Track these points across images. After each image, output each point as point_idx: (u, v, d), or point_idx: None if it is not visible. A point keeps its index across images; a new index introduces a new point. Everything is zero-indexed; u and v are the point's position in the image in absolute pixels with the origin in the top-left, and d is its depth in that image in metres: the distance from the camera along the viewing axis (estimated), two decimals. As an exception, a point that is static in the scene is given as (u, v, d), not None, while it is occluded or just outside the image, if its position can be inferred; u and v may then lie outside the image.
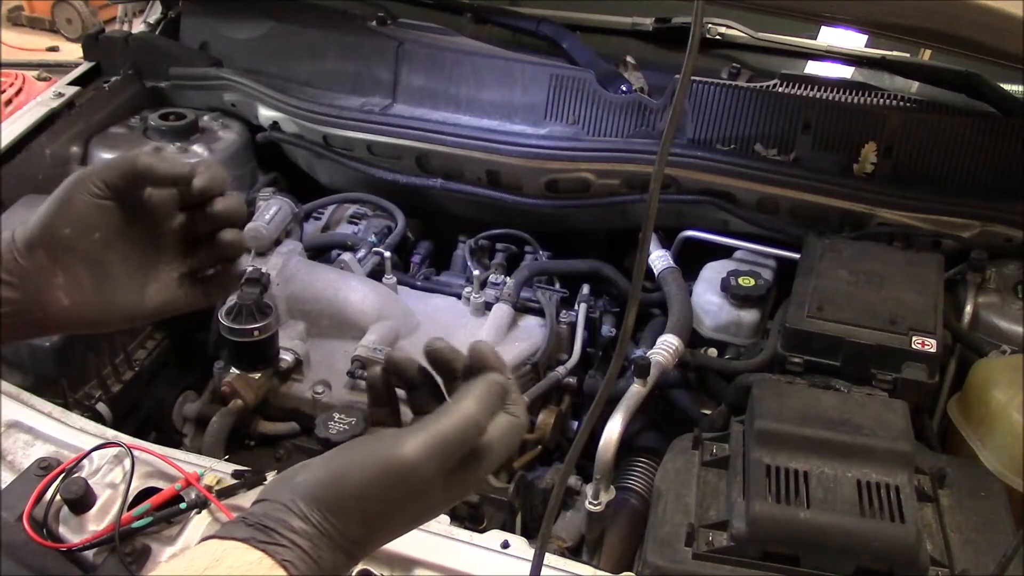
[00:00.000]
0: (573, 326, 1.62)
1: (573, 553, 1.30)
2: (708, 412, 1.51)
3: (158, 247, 0.77)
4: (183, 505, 1.13)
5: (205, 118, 1.99)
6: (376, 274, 1.70)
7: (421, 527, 1.09)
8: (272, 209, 1.68)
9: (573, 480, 1.38)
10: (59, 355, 1.43)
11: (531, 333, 1.61)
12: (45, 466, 1.17)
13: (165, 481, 1.17)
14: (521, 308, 1.65)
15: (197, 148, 1.89)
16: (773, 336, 1.46)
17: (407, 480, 0.62)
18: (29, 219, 0.72)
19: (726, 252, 1.72)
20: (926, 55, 1.94)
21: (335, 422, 1.32)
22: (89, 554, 1.09)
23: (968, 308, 1.52)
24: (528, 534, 1.29)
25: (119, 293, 0.76)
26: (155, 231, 0.77)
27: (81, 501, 1.13)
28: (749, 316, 1.56)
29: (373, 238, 1.83)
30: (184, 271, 0.79)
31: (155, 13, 2.18)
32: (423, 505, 0.65)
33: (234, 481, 1.16)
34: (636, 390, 1.32)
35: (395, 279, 1.70)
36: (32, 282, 0.72)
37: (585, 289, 1.70)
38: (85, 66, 2.04)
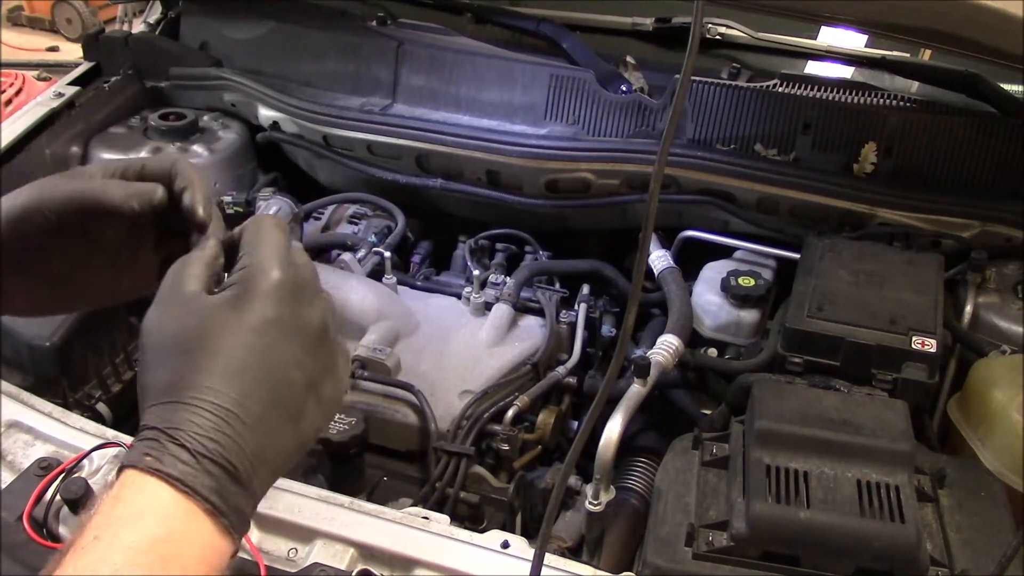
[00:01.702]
0: (573, 326, 1.62)
1: (573, 553, 1.30)
2: (708, 412, 1.51)
3: (126, 250, 0.75)
4: (183, 505, 1.12)
5: (205, 118, 1.99)
6: (376, 274, 1.70)
7: (421, 527, 1.10)
8: (272, 209, 1.68)
9: (573, 480, 1.38)
10: (59, 355, 1.43)
11: (531, 333, 1.61)
12: (45, 466, 1.17)
13: (165, 481, 1.17)
14: (521, 308, 1.65)
15: (197, 148, 1.89)
16: (773, 336, 1.46)
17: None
18: None
19: (726, 252, 1.72)
20: (926, 55, 1.94)
21: (335, 422, 1.32)
22: (89, 554, 1.09)
23: (968, 308, 1.52)
24: (528, 534, 1.29)
25: (83, 292, 0.75)
26: (120, 239, 0.74)
27: (81, 501, 1.12)
28: (749, 316, 1.56)
29: (373, 238, 1.83)
30: (160, 262, 0.76)
31: (155, 13, 2.18)
32: None
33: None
34: (636, 390, 1.32)
35: (395, 279, 1.70)
36: None
37: (585, 289, 1.70)
38: (85, 66, 2.04)
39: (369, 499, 1.22)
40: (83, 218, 0.70)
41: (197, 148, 1.89)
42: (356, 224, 1.93)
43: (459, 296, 1.69)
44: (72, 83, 1.97)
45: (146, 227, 0.74)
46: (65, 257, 0.72)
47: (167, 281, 0.62)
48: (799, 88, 1.78)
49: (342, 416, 1.32)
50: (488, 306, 1.64)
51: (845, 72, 1.95)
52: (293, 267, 0.64)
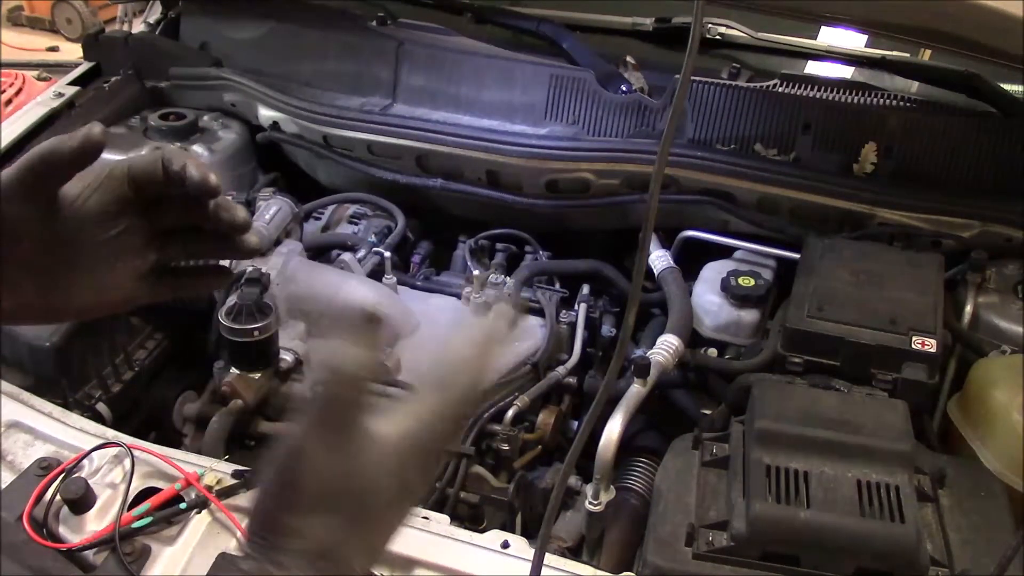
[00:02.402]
0: (573, 326, 1.62)
1: (573, 553, 1.30)
2: (708, 412, 1.51)
3: (113, 244, 0.71)
4: (183, 505, 1.13)
5: (205, 118, 1.99)
6: (376, 274, 1.70)
7: (421, 527, 1.10)
8: (272, 209, 1.68)
9: (573, 480, 1.38)
10: (59, 355, 1.43)
11: (531, 333, 1.61)
12: (45, 466, 1.17)
13: (165, 481, 1.17)
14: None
15: (197, 148, 1.89)
16: (773, 336, 1.46)
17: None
18: None
19: (726, 252, 1.72)
20: (926, 55, 1.94)
21: (335, 422, 1.31)
22: (89, 554, 1.09)
23: (968, 308, 1.52)
24: (528, 534, 1.29)
25: (68, 293, 0.70)
26: (106, 227, 0.70)
27: (81, 501, 1.12)
28: (749, 316, 1.56)
29: (373, 238, 1.83)
30: (148, 266, 0.73)
31: (155, 13, 2.19)
32: None
33: (234, 481, 1.16)
34: (636, 390, 1.32)
35: (395, 279, 1.70)
36: None
37: (585, 289, 1.70)
38: (85, 66, 2.04)
39: (369, 499, 1.22)
40: (46, 180, 0.66)
41: (197, 148, 1.89)
42: (356, 224, 1.93)
43: (459, 296, 1.69)
44: (72, 83, 1.97)
45: (130, 227, 0.71)
46: (43, 251, 0.68)
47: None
48: (799, 88, 1.78)
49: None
50: (488, 306, 1.64)
51: (845, 72, 1.95)
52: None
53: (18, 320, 0.71)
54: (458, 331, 0.66)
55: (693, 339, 1.56)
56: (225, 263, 0.81)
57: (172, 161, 0.68)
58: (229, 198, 0.72)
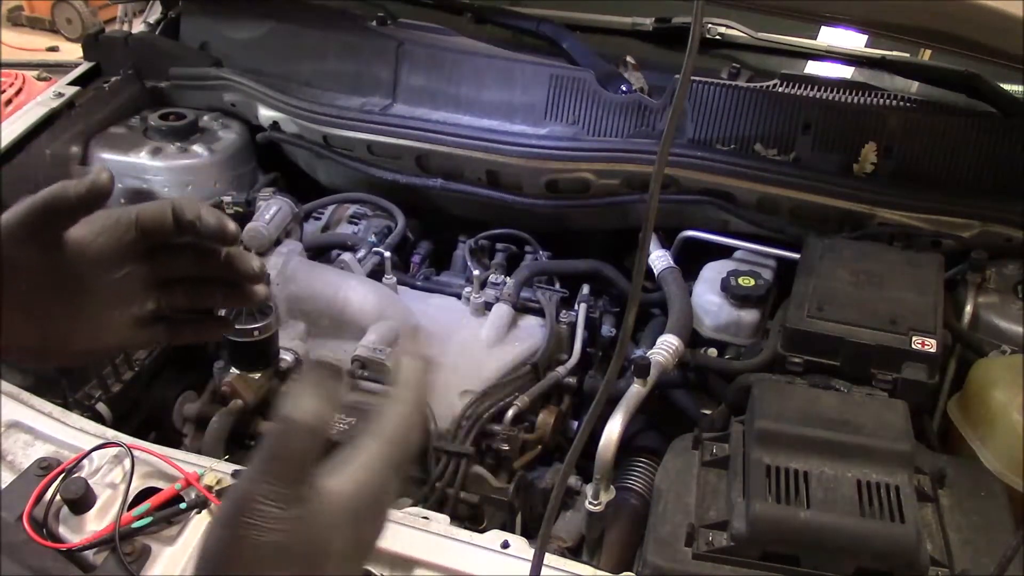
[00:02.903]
0: (573, 326, 1.62)
1: (573, 553, 1.30)
2: (708, 412, 1.51)
3: (114, 289, 0.70)
4: (183, 505, 1.12)
5: (205, 118, 1.99)
6: (376, 274, 1.70)
7: (421, 527, 1.10)
8: (272, 209, 1.68)
9: (573, 480, 1.38)
10: (59, 355, 1.43)
11: (531, 333, 1.61)
12: (45, 466, 1.17)
13: (165, 481, 1.17)
14: (521, 308, 1.65)
15: (197, 148, 1.89)
16: (773, 336, 1.46)
17: None
18: None
19: (726, 252, 1.72)
20: (926, 55, 1.94)
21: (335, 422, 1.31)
22: (89, 554, 1.09)
23: (968, 308, 1.52)
24: (528, 534, 1.29)
25: (65, 335, 0.70)
26: (109, 272, 0.70)
27: (81, 501, 1.12)
28: (749, 316, 1.56)
29: (373, 238, 1.83)
30: (147, 312, 0.72)
31: (155, 13, 2.18)
32: None
33: (234, 481, 1.16)
34: (636, 390, 1.32)
35: (395, 279, 1.70)
36: None
37: (585, 289, 1.70)
38: (85, 66, 2.04)
39: (369, 499, 1.22)
40: (51, 223, 0.67)
41: (197, 148, 1.89)
42: (356, 224, 1.93)
43: (459, 296, 1.69)
44: (72, 83, 1.96)
45: (132, 273, 0.71)
46: (43, 293, 0.68)
47: None
48: (799, 88, 1.78)
49: (342, 416, 1.32)
50: (488, 306, 1.64)
51: (845, 72, 1.95)
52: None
53: (12, 358, 0.71)
54: (395, 386, 0.63)
55: (693, 339, 1.56)
56: (222, 312, 0.80)
57: (185, 210, 0.68)
58: (242, 248, 0.72)
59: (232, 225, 0.70)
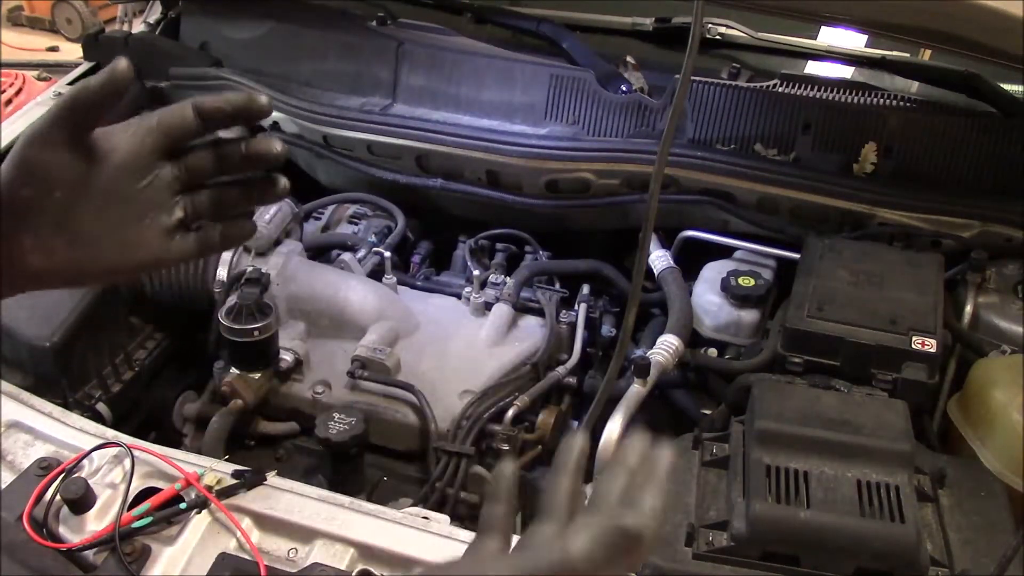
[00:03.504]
0: (573, 326, 1.62)
1: (573, 553, 1.29)
2: (708, 412, 1.51)
3: (142, 197, 0.70)
4: (183, 505, 1.12)
5: (205, 118, 1.99)
6: (376, 274, 1.70)
7: (421, 527, 1.10)
8: (272, 209, 1.68)
9: (573, 480, 1.38)
10: (59, 355, 1.43)
11: (531, 333, 1.61)
12: (45, 466, 1.17)
13: (165, 481, 1.17)
14: (521, 308, 1.65)
15: (197, 148, 1.89)
16: (773, 336, 1.46)
17: None
18: None
19: (726, 252, 1.72)
20: (926, 55, 1.94)
21: (335, 422, 1.32)
22: (89, 554, 1.09)
23: (968, 308, 1.52)
24: (528, 534, 1.29)
25: (97, 250, 0.70)
26: (135, 179, 0.70)
27: (81, 501, 1.12)
28: (749, 316, 1.56)
29: (373, 238, 1.83)
30: (175, 221, 0.72)
31: (155, 13, 2.18)
32: None
33: (234, 481, 1.16)
34: (636, 390, 1.32)
35: (395, 279, 1.70)
36: None
37: (585, 289, 1.70)
38: (85, 66, 2.04)
39: (369, 499, 1.23)
40: (78, 123, 0.67)
41: (197, 148, 1.89)
42: (356, 224, 1.93)
43: (459, 296, 1.69)
44: (72, 83, 1.97)
45: (159, 179, 0.71)
46: (74, 203, 0.68)
47: None
48: (799, 88, 1.78)
49: (342, 416, 1.32)
50: (488, 306, 1.64)
51: (845, 72, 1.95)
52: None
53: (44, 283, 0.70)
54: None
55: (693, 339, 1.56)
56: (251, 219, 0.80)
57: (206, 103, 0.69)
58: (262, 135, 0.72)
59: (263, 98, 0.70)
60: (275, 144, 0.72)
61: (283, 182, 0.74)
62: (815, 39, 1.96)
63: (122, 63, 0.67)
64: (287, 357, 1.49)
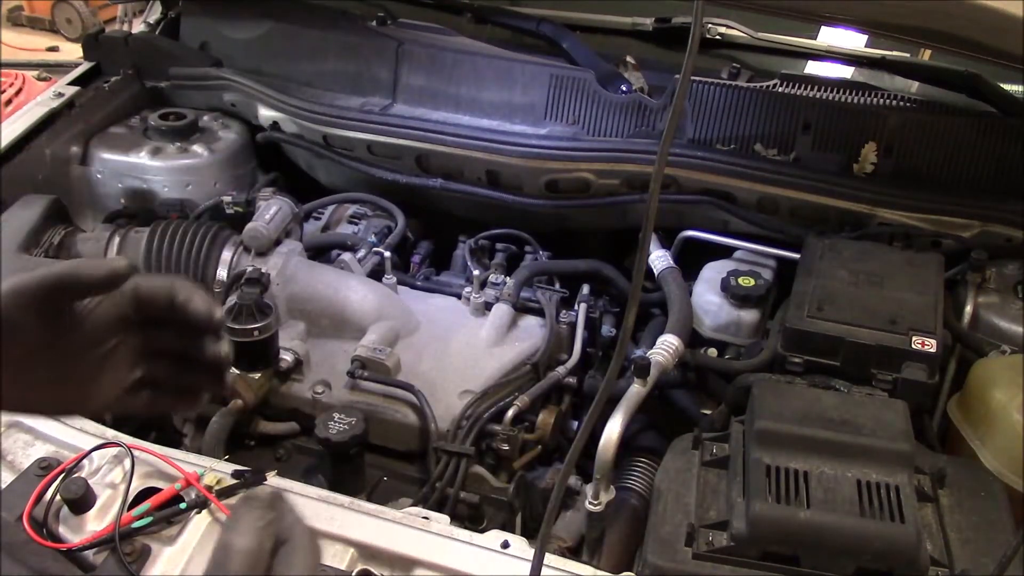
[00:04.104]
0: (573, 326, 1.62)
1: (573, 553, 1.30)
2: (708, 412, 1.51)
3: (105, 360, 0.72)
4: (183, 505, 1.12)
5: (205, 118, 1.99)
6: (376, 274, 1.70)
7: (421, 527, 1.10)
8: (272, 209, 1.68)
9: (573, 480, 1.38)
10: (59, 355, 1.43)
11: (531, 333, 1.61)
12: (45, 466, 1.17)
13: (165, 481, 1.17)
14: (521, 308, 1.65)
15: (197, 148, 1.89)
16: (773, 336, 1.46)
17: None
18: None
19: (726, 252, 1.72)
20: (926, 55, 1.94)
21: (335, 422, 1.32)
22: (89, 554, 1.09)
23: (968, 308, 1.52)
24: (528, 534, 1.29)
25: (49, 398, 0.72)
26: (102, 343, 0.72)
27: (81, 501, 1.12)
28: (749, 316, 1.56)
29: (373, 238, 1.83)
30: (131, 381, 0.74)
31: (155, 13, 2.19)
32: None
33: (234, 481, 1.16)
34: (636, 390, 1.32)
35: (395, 279, 1.70)
36: None
37: (585, 289, 1.70)
38: (85, 66, 2.04)
39: (369, 499, 1.23)
40: (60, 299, 0.68)
41: (197, 148, 1.89)
42: (356, 224, 1.93)
43: (459, 296, 1.69)
44: (72, 83, 1.97)
45: (123, 343, 0.73)
46: (37, 358, 0.69)
47: None
48: (799, 88, 1.78)
49: (342, 416, 1.32)
50: (488, 306, 1.64)
51: (845, 72, 1.95)
52: None
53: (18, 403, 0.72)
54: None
55: (693, 339, 1.56)
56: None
57: (179, 291, 0.71)
58: (223, 339, 0.74)
59: (218, 315, 0.72)
60: (222, 350, 0.74)
61: (227, 383, 0.76)
62: (815, 39, 1.96)
63: (122, 263, 0.69)
64: (287, 357, 1.49)
